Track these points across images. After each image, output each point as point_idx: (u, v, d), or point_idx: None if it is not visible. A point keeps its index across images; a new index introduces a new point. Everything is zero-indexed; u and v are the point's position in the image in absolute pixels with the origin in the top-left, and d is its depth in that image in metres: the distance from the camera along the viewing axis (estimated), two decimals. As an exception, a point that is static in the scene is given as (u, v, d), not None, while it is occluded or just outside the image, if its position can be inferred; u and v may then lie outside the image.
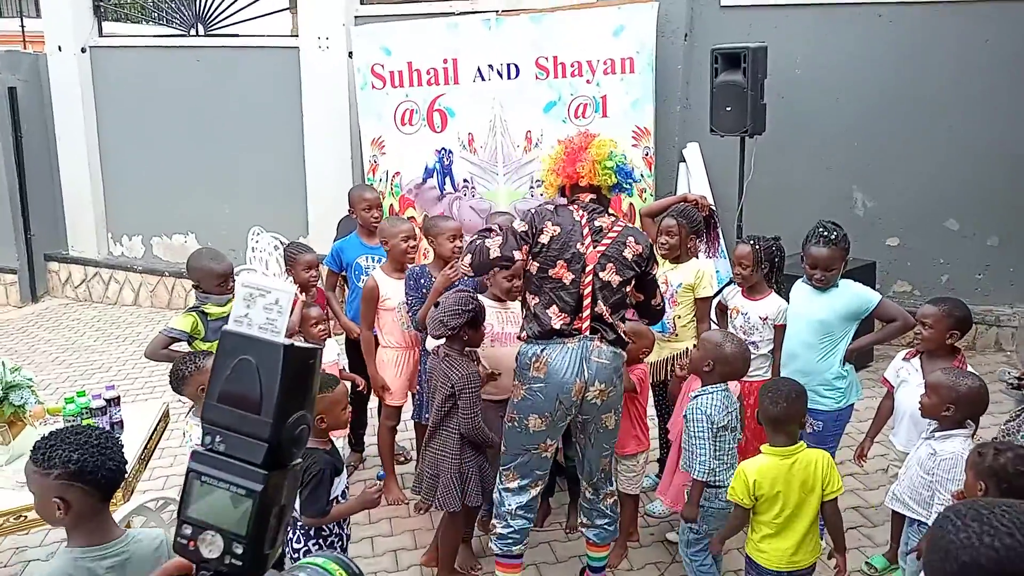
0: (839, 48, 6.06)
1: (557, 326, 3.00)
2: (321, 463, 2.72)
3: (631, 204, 6.17)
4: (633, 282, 3.13)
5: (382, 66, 6.50)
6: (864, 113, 6.06)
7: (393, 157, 6.61)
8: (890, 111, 6.00)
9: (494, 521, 3.21)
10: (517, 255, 3.05)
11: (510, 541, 3.16)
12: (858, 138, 6.11)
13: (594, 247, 3.02)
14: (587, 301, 3.01)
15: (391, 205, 6.62)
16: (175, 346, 3.75)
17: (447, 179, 6.52)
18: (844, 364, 3.34)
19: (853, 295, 3.37)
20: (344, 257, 4.49)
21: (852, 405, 3.45)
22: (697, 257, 4.00)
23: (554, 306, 3.01)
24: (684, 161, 6.44)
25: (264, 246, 7.01)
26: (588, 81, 6.11)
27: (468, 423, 3.21)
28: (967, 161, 5.88)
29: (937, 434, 2.94)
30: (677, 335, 3.88)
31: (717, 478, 3.02)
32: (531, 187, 6.26)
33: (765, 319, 3.63)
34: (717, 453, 3.02)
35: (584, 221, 3.05)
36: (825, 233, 3.37)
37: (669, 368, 3.88)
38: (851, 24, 6.01)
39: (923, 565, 1.38)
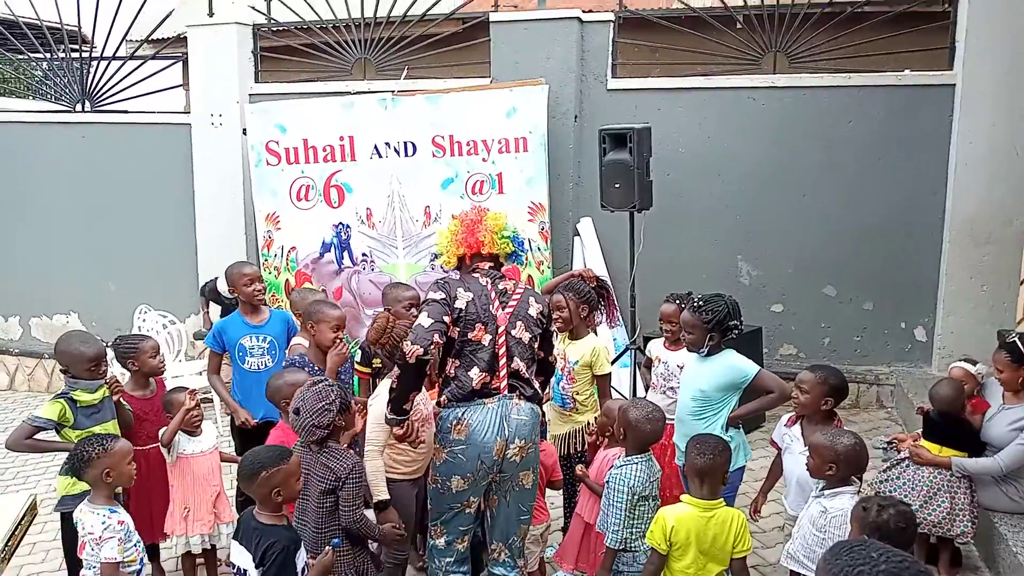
0: (718, 128, 6.44)
1: (478, 387, 3.13)
2: (284, 541, 2.63)
3: (529, 276, 6.28)
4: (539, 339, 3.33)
5: (277, 143, 6.48)
6: (744, 188, 6.43)
7: (289, 232, 6.54)
8: (768, 187, 6.38)
9: None
10: (446, 319, 3.10)
11: None
12: (740, 212, 6.46)
13: (503, 308, 3.21)
14: (503, 360, 3.17)
15: (287, 280, 6.51)
16: (43, 435, 3.51)
17: (345, 253, 6.48)
18: (727, 430, 3.43)
19: (729, 367, 3.46)
20: (226, 338, 4.28)
21: (742, 468, 3.53)
22: (595, 333, 4.10)
23: (475, 368, 3.14)
24: (579, 235, 6.63)
25: (151, 325, 6.76)
26: (484, 159, 6.27)
27: (350, 516, 3.00)
28: (839, 232, 6.28)
29: (826, 492, 3.04)
30: (578, 410, 3.94)
31: (631, 545, 3.04)
32: (431, 260, 6.29)
33: (682, 366, 3.77)
34: (634, 522, 3.05)
35: (490, 286, 3.24)
36: (693, 299, 3.52)
37: (572, 443, 3.91)
38: (728, 106, 6.41)
39: None
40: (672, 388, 3.82)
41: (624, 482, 3.04)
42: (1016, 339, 3.84)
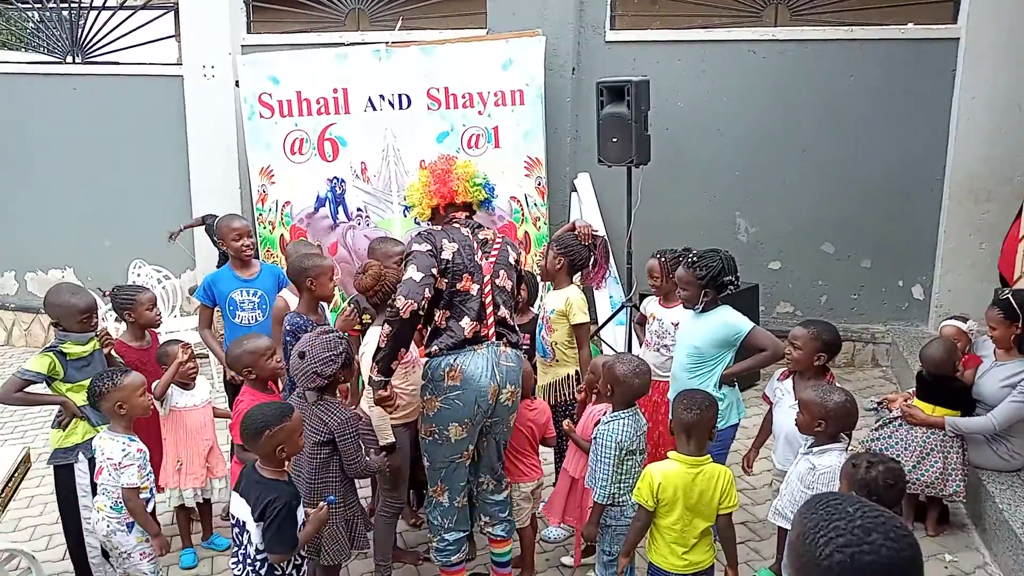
0: (718, 82, 6.33)
1: (470, 335, 3.14)
2: (285, 496, 2.65)
3: (526, 232, 6.24)
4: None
5: (270, 95, 6.38)
6: (744, 144, 6.34)
7: (283, 186, 6.47)
8: (767, 142, 6.30)
9: (430, 535, 3.37)
10: (434, 270, 3.07)
11: (448, 552, 3.33)
12: (739, 168, 6.38)
13: (486, 258, 3.21)
14: (490, 309, 3.19)
15: (282, 235, 6.47)
16: (35, 388, 3.51)
17: (340, 208, 6.43)
18: (720, 388, 3.42)
19: (723, 323, 3.44)
20: (216, 291, 4.22)
21: (735, 425, 3.53)
22: (578, 285, 4.09)
23: (465, 317, 3.14)
24: (576, 191, 6.56)
25: (146, 280, 6.73)
26: (480, 112, 6.17)
27: (355, 467, 3.07)
28: (839, 189, 6.22)
29: (814, 449, 3.05)
30: (558, 360, 3.93)
31: (620, 499, 3.05)
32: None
33: (676, 324, 3.75)
34: (621, 477, 3.05)
35: (471, 236, 3.22)
36: (688, 255, 3.48)
37: (553, 394, 3.92)
38: (728, 60, 6.29)
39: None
40: (666, 345, 3.80)
41: (611, 437, 3.03)
42: (1009, 296, 3.81)
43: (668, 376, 3.68)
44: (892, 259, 6.24)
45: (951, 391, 3.83)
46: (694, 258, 3.44)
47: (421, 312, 3.00)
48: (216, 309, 4.28)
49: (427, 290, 3.01)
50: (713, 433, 2.87)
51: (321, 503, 2.85)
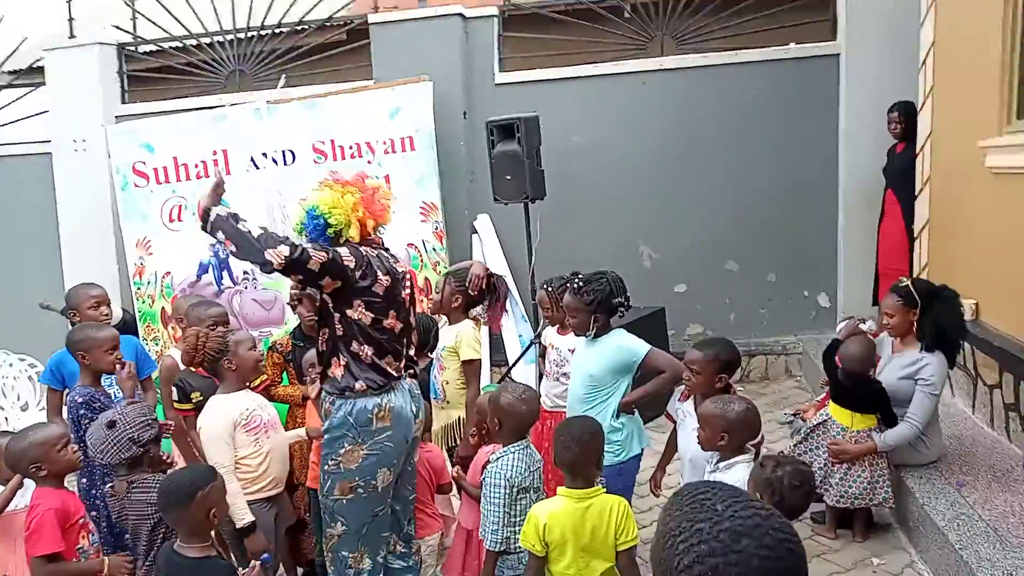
0: (611, 116, 6.33)
1: (395, 373, 2.95)
2: (224, 572, 2.37)
3: (426, 278, 6.03)
4: None
5: (144, 163, 6.09)
6: (640, 173, 6.32)
7: (162, 257, 6.13)
8: (664, 168, 6.30)
9: None
10: (327, 281, 2.76)
11: None
12: (638, 197, 6.34)
13: (404, 291, 3.01)
14: (404, 345, 3.02)
15: (163, 308, 6.10)
16: None
17: (224, 272, 6.10)
18: (618, 417, 3.22)
19: (618, 348, 3.24)
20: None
21: (638, 456, 3.29)
22: (477, 323, 3.89)
23: (388, 356, 2.92)
24: (476, 232, 6.42)
25: (7, 373, 6.21)
26: (369, 162, 5.99)
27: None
28: (738, 208, 6.23)
29: (720, 465, 2.85)
30: (449, 401, 3.69)
31: (515, 546, 2.78)
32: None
33: (573, 351, 3.54)
34: (514, 519, 2.77)
35: (397, 267, 2.99)
36: (573, 281, 3.30)
37: (447, 438, 3.68)
38: (619, 93, 6.32)
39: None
40: (565, 374, 3.58)
41: (501, 475, 2.77)
42: (908, 284, 3.75)
43: (563, 408, 3.45)
44: (796, 271, 6.25)
45: (868, 394, 3.70)
46: (579, 283, 3.26)
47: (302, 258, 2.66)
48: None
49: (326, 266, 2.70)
50: (599, 462, 2.65)
51: (254, 562, 2.52)
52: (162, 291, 6.11)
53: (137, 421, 2.69)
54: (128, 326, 4.73)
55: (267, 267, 2.69)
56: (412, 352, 3.13)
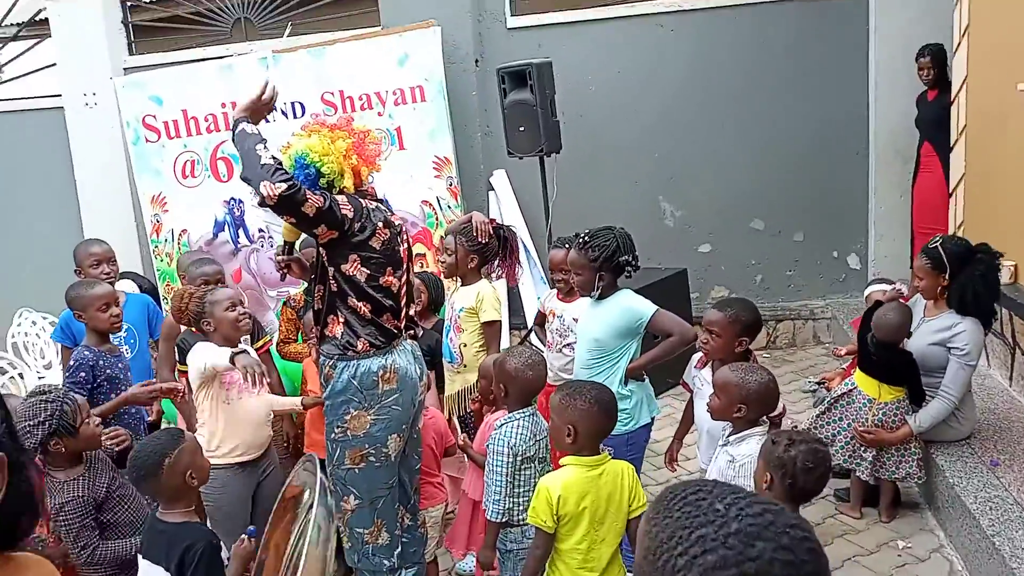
0: (629, 61, 6.02)
1: (395, 330, 2.79)
2: (203, 536, 2.30)
3: (441, 237, 5.83)
4: None
5: (154, 117, 5.92)
6: (661, 124, 6.03)
7: (177, 214, 6.00)
8: (684, 120, 6.00)
9: None
10: (323, 230, 2.61)
11: None
12: (658, 149, 6.07)
13: (401, 246, 2.83)
14: (403, 303, 2.85)
15: (178, 266, 6.01)
16: None
17: (240, 231, 5.96)
18: (626, 384, 3.05)
19: (623, 309, 3.05)
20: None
21: (647, 425, 3.12)
22: (489, 279, 3.71)
23: (386, 313, 2.76)
24: (492, 189, 6.21)
25: (35, 330, 6.20)
26: (379, 114, 5.77)
27: (81, 554, 2.48)
28: (762, 161, 5.93)
29: (732, 438, 2.68)
30: (466, 365, 3.53)
31: (519, 517, 2.64)
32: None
33: (577, 320, 3.37)
34: (517, 490, 2.64)
35: (394, 220, 2.83)
36: (579, 238, 3.10)
37: (463, 404, 3.52)
38: (636, 37, 5.99)
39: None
40: (569, 345, 3.41)
41: (504, 442, 2.64)
42: (938, 245, 3.50)
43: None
44: (824, 230, 5.96)
45: (898, 364, 3.47)
46: (585, 238, 3.07)
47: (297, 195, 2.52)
48: None
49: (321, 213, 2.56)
50: (606, 428, 2.48)
51: (242, 535, 2.43)
52: (179, 249, 5.98)
53: (22, 424, 2.42)
54: (148, 293, 4.65)
55: (261, 200, 2.54)
56: (413, 311, 2.98)
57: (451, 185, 5.86)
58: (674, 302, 4.52)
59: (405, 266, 2.85)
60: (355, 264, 2.68)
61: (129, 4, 6.75)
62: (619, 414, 2.97)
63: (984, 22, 4.43)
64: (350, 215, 2.63)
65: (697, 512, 0.89)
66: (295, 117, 5.83)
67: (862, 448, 3.47)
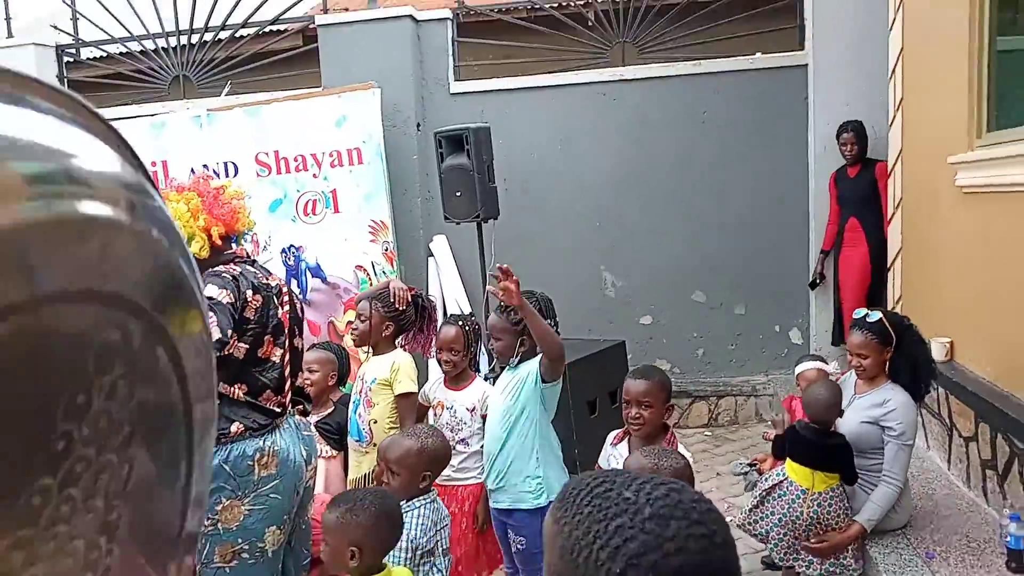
0: (571, 129, 5.99)
1: (277, 409, 2.52)
2: None
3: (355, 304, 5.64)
4: None
5: (79, 172, 5.70)
6: (603, 194, 5.98)
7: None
8: (626, 189, 5.95)
9: None
10: (230, 332, 2.36)
11: None
12: (600, 219, 6.00)
13: (280, 309, 2.56)
14: (287, 376, 2.57)
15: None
16: None
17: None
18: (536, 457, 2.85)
19: (530, 371, 2.88)
20: None
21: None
22: (403, 349, 3.51)
23: (267, 391, 2.49)
24: (432, 255, 6.06)
25: None
26: (315, 175, 5.63)
27: None
28: (703, 232, 5.87)
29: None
30: (375, 444, 3.24)
31: None
32: None
33: (472, 410, 3.16)
34: (416, 589, 2.39)
35: (271, 282, 2.58)
36: (500, 304, 2.93)
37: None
38: (578, 105, 5.97)
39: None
40: (463, 440, 3.15)
41: (402, 535, 2.40)
42: (882, 318, 3.35)
43: (469, 479, 3.09)
44: (766, 303, 5.87)
45: (830, 448, 3.28)
46: (503, 304, 2.91)
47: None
48: None
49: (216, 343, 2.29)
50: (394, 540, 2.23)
51: None
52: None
53: None
54: None
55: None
56: (302, 381, 2.77)
57: (387, 250, 5.69)
58: (612, 375, 4.34)
59: (286, 332, 2.59)
60: (233, 341, 2.41)
61: (66, 60, 6.61)
62: (531, 483, 2.78)
63: (916, 94, 4.44)
64: (229, 300, 2.38)
65: (608, 503, 0.89)
66: (227, 176, 5.65)
67: (797, 543, 3.26)
